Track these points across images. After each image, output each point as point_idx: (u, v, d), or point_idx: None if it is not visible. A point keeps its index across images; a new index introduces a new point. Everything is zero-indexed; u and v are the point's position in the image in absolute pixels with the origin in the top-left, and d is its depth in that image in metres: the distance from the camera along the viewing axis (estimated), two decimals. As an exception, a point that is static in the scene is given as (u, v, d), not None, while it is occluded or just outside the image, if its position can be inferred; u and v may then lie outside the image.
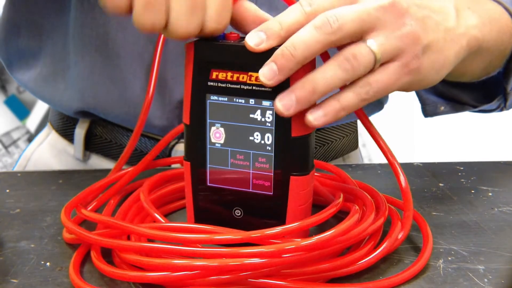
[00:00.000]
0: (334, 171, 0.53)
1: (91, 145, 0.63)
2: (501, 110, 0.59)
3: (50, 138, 0.68)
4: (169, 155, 0.60)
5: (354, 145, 0.69)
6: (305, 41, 0.38)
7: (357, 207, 0.42)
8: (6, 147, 1.74)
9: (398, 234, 0.42)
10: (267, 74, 0.38)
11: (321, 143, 0.64)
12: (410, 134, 1.58)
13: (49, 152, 0.67)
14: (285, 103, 0.38)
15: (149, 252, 0.39)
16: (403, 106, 1.65)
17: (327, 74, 0.38)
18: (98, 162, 0.64)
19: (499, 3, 0.51)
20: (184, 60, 0.41)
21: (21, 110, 1.73)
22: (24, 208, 0.50)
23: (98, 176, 0.52)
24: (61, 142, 0.66)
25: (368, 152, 1.57)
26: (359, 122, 0.69)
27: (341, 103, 0.39)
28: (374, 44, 0.39)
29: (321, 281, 0.38)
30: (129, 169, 0.51)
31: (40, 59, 0.62)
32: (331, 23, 0.38)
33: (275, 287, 0.37)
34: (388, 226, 0.43)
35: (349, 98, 0.39)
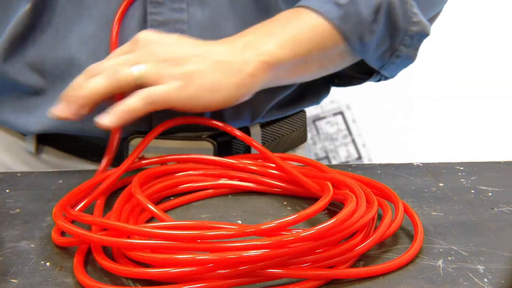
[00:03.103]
0: (305, 162, 0.54)
1: (43, 138, 0.63)
2: (386, 79, 0.67)
3: (0, 131, 0.67)
4: (127, 149, 0.60)
5: (303, 138, 0.71)
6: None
7: (351, 194, 0.42)
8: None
9: (391, 218, 0.44)
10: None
11: (271, 137, 0.66)
12: (410, 134, 1.59)
13: (0, 145, 0.66)
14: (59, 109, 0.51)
15: (160, 249, 0.38)
16: (403, 106, 1.65)
17: (93, 83, 0.50)
18: (51, 156, 0.64)
19: (320, 13, 0.57)
20: None
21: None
22: (24, 208, 0.50)
23: (98, 176, 0.52)
24: (12, 135, 0.65)
25: (368, 152, 1.57)
26: (307, 116, 0.73)
27: (127, 106, 0.50)
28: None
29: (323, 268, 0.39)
30: (112, 170, 0.52)
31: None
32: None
33: (279, 276, 0.37)
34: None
35: (133, 102, 0.50)
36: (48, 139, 0.63)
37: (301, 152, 0.72)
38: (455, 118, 1.49)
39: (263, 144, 0.65)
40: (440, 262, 0.41)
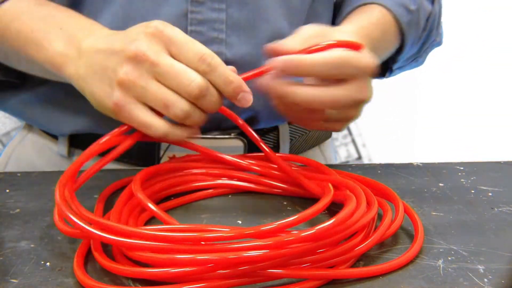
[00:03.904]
0: (306, 163, 0.54)
1: (75, 141, 0.63)
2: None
3: (32, 134, 0.67)
4: (158, 148, 0.61)
5: (328, 133, 0.73)
6: None
7: (352, 195, 0.43)
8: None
9: (391, 218, 0.44)
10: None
11: (299, 133, 0.67)
12: (410, 134, 1.59)
13: (32, 148, 0.67)
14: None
15: (160, 251, 0.38)
16: (404, 106, 1.65)
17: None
18: None
19: (393, 15, 0.62)
20: None
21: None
22: (24, 208, 0.50)
23: (99, 176, 0.52)
24: (44, 138, 0.66)
25: (368, 152, 1.57)
26: None
27: None
28: None
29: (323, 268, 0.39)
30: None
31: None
32: None
33: (279, 276, 0.37)
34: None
35: None
36: (80, 141, 0.63)
37: (326, 147, 0.73)
38: (455, 118, 1.49)
39: (291, 140, 0.66)
40: (440, 262, 0.41)
